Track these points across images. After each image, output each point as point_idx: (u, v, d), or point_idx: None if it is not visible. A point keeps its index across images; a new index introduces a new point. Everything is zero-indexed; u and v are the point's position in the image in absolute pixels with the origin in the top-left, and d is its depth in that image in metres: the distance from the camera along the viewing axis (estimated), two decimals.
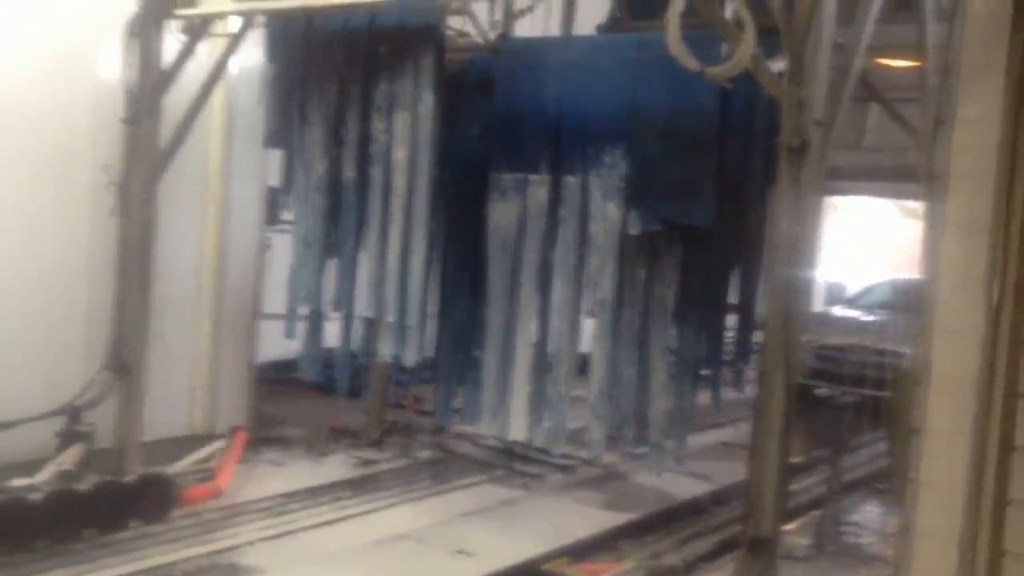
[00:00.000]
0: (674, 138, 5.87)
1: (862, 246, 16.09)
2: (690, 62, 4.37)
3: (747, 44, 4.25)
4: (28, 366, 6.83)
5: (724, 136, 5.93)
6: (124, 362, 6.55)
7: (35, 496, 5.68)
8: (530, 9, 6.98)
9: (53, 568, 5.35)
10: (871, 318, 11.60)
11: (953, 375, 1.99)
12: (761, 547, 4.29)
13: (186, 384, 8.08)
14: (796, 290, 4.62)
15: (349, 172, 6.80)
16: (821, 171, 4.81)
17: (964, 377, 1.97)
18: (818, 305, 14.68)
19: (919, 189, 4.53)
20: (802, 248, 4.63)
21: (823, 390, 11.06)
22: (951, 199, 2.17)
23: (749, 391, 6.00)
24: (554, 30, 7.12)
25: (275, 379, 9.88)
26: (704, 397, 6.60)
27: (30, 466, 5.99)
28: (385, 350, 6.74)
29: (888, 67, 7.56)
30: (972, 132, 2.19)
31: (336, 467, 7.73)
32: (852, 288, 15.14)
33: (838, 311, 12.96)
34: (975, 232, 2.09)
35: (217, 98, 7.62)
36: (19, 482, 5.78)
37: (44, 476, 5.93)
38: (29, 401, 6.32)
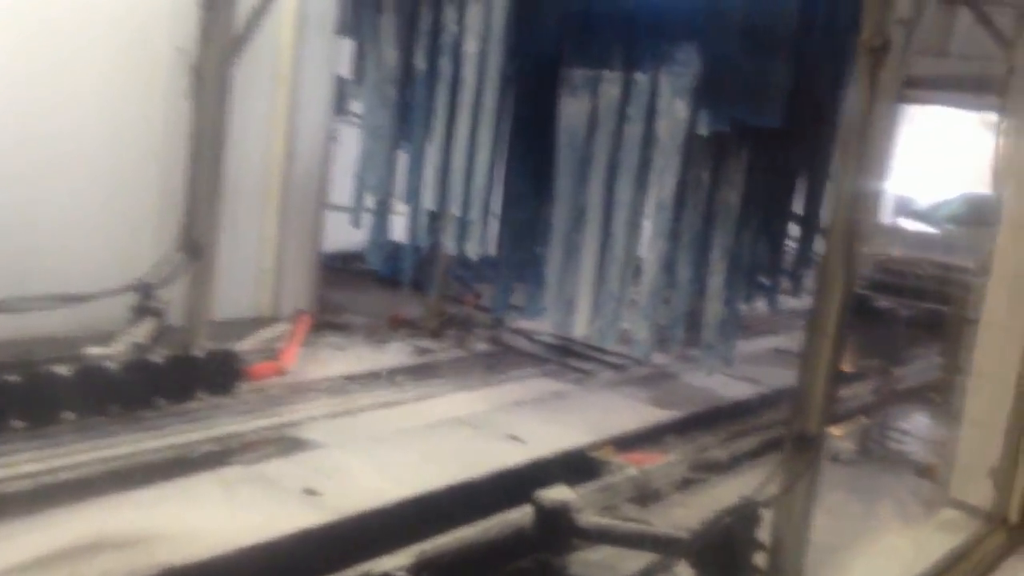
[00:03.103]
0: (750, 35, 5.69)
1: (936, 159, 15.48)
2: None
3: None
4: (103, 242, 7.02)
5: (802, 35, 5.75)
6: (195, 243, 6.66)
7: (109, 364, 5.94)
8: None
9: (125, 432, 5.59)
10: (939, 233, 11.36)
11: (1013, 270, 1.99)
12: (806, 444, 4.29)
13: (253, 267, 8.22)
14: (862, 200, 4.50)
15: (420, 64, 6.67)
16: (900, 75, 4.63)
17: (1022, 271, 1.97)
18: (886, 217, 14.36)
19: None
20: (873, 156, 4.49)
21: (883, 302, 10.92)
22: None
23: (806, 299, 5.98)
24: None
25: (339, 269, 10.11)
26: (760, 304, 6.57)
27: (104, 338, 6.18)
28: (448, 243, 6.76)
29: None
30: None
31: (395, 354, 7.92)
32: (922, 202, 14.71)
33: (906, 224, 12.68)
34: None
35: None
36: (94, 351, 6.01)
37: (118, 347, 6.14)
38: (104, 276, 6.43)
